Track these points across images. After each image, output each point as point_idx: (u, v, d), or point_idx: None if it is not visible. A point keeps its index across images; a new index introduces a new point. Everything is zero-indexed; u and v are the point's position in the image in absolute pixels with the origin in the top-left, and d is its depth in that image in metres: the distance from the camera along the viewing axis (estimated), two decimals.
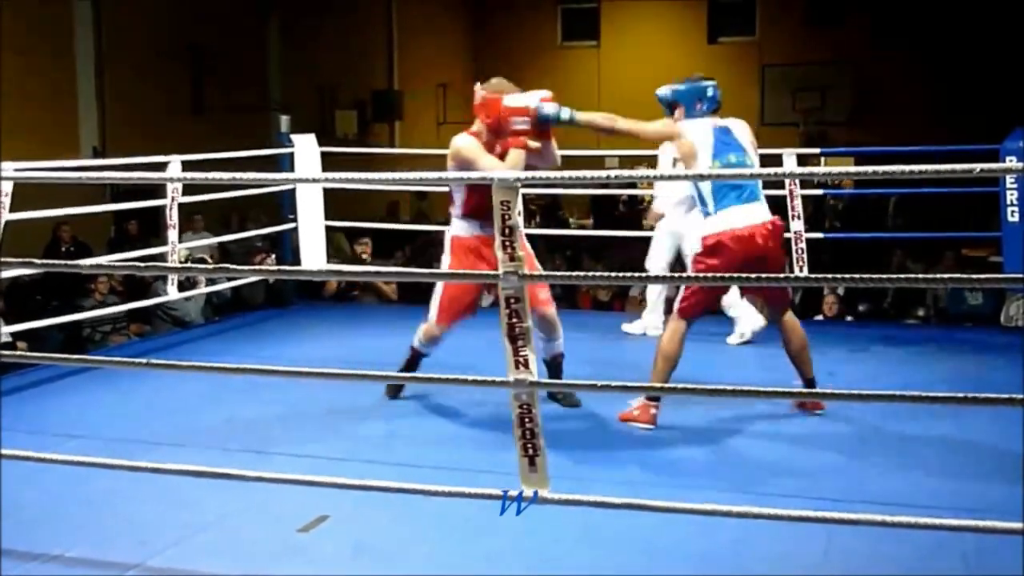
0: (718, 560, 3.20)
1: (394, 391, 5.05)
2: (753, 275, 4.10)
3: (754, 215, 4.47)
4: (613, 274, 3.79)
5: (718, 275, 4.35)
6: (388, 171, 3.93)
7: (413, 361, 4.98)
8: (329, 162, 7.47)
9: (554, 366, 4.86)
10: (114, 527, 3.45)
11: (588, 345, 6.32)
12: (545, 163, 4.58)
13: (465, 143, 4.66)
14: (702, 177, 4.46)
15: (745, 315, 6.27)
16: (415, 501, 3.35)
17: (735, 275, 4.35)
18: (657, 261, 6.52)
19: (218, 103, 12.28)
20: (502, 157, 4.54)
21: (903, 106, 15.45)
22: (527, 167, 4.43)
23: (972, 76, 14.77)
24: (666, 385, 4.29)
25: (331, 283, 8.48)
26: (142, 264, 5.14)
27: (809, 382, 4.65)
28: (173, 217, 6.25)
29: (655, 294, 6.65)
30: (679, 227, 6.32)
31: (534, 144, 4.53)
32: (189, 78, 12.30)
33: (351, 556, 3.27)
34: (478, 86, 4.71)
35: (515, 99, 4.55)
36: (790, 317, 4.67)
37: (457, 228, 4.80)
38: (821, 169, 8.27)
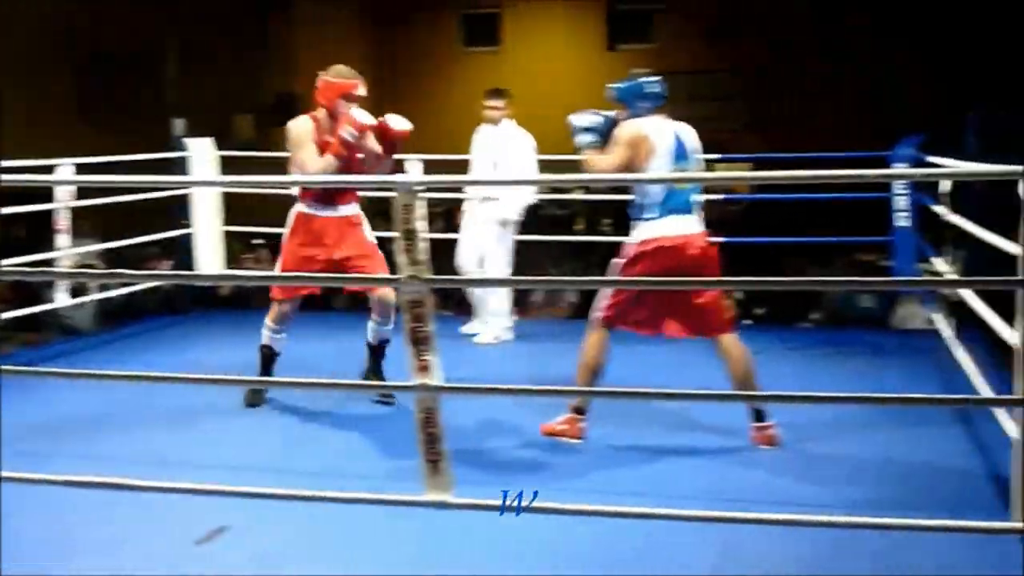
0: (623, 563, 3.21)
1: (255, 398, 4.98)
2: (663, 279, 4.11)
3: (689, 226, 4.33)
4: (522, 278, 3.81)
5: (625, 278, 4.34)
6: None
7: (267, 362, 5.06)
8: (228, 166, 7.35)
9: (377, 349, 5.02)
10: None
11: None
12: (383, 170, 4.89)
13: (295, 127, 4.94)
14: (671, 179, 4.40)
15: (495, 321, 6.55)
16: (317, 509, 3.31)
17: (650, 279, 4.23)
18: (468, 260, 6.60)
19: (114, 107, 11.98)
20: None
21: (794, 116, 15.78)
22: (365, 171, 4.82)
23: (864, 88, 15.16)
24: (566, 388, 4.28)
25: (225, 288, 8.33)
26: (30, 270, 4.99)
27: (756, 414, 4.32)
28: (64, 222, 6.10)
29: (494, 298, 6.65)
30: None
31: (374, 149, 4.85)
32: (81, 81, 11.99)
33: (252, 566, 3.21)
34: (321, 74, 4.90)
35: (360, 115, 4.73)
36: (727, 341, 4.37)
37: (301, 206, 4.96)
38: (732, 174, 8.41)
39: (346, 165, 4.75)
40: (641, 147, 4.29)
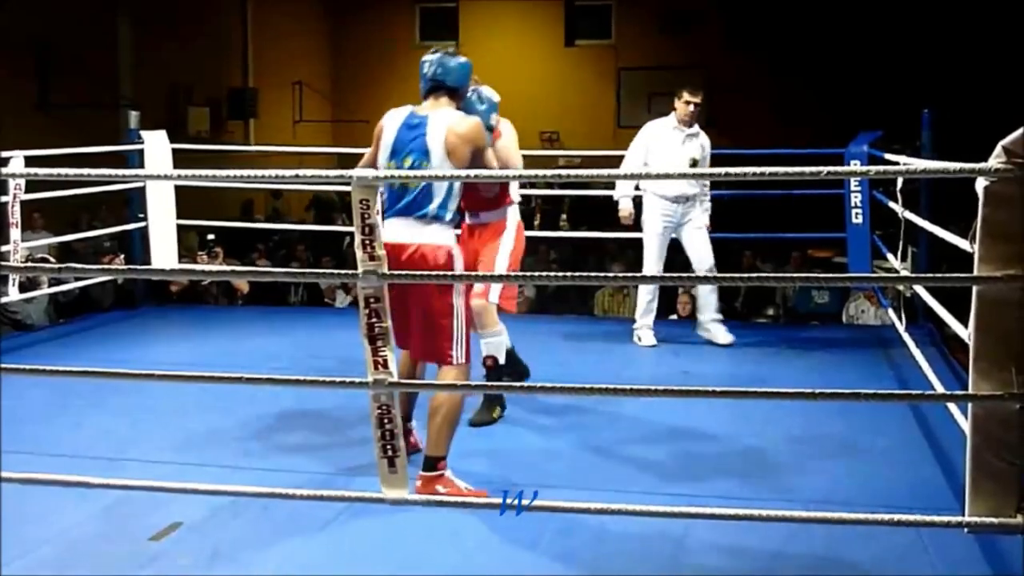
0: (577, 558, 3.22)
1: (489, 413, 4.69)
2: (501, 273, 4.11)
3: (403, 232, 3.69)
4: (475, 273, 3.81)
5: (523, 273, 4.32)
6: (243, 169, 3.84)
7: (507, 356, 4.78)
8: (181, 159, 7.28)
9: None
10: None
11: None
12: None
13: None
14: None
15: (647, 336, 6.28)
16: (272, 505, 3.28)
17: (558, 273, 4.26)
18: (647, 265, 6.33)
19: (65, 100, 11.86)
20: None
21: (753, 111, 15.88)
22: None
23: (820, 83, 15.31)
24: (559, 385, 4.20)
25: (180, 283, 8.26)
26: None
27: (428, 461, 3.64)
28: (15, 215, 6.02)
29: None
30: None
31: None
32: (33, 74, 11.86)
33: (207, 563, 3.18)
34: None
35: None
36: (444, 375, 3.74)
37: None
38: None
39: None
40: (379, 139, 3.83)
